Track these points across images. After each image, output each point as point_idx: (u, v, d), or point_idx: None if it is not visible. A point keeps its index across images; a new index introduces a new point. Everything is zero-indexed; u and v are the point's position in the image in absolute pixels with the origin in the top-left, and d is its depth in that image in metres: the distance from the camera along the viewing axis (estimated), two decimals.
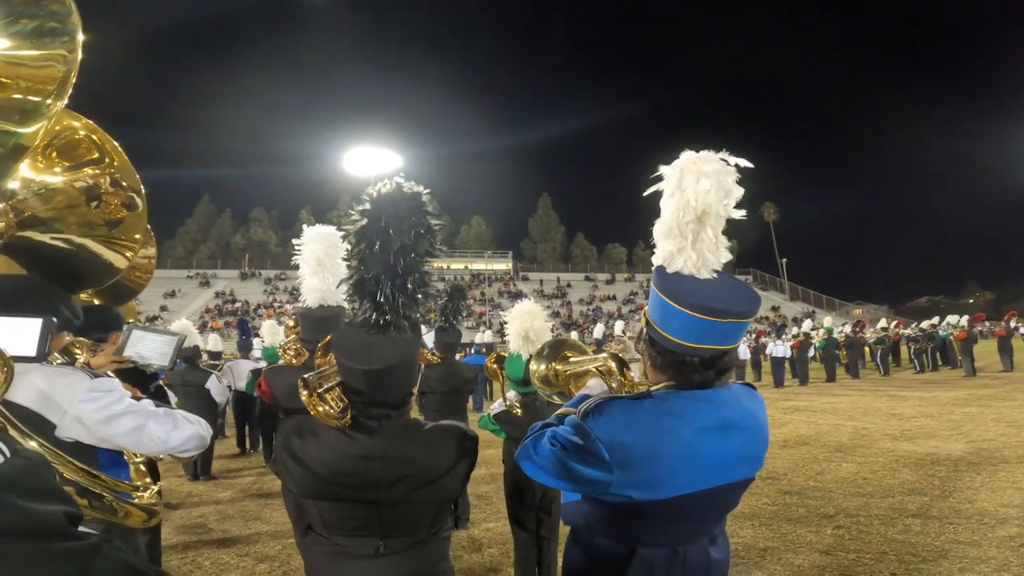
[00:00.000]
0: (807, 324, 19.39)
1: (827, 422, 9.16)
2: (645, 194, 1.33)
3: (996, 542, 3.82)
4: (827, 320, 19.81)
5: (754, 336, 21.65)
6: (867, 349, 19.35)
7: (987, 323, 28.15)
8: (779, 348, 16.79)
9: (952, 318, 17.99)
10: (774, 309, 48.98)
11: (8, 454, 0.72)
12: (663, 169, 1.31)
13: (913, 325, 21.29)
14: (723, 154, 1.28)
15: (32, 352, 1.47)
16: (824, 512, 4.64)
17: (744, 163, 1.28)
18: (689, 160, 1.28)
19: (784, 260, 58.27)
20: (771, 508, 4.80)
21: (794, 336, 18.66)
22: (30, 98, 1.12)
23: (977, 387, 12.66)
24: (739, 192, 1.28)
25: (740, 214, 1.30)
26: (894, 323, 21.00)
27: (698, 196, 1.24)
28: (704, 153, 1.28)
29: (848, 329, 20.22)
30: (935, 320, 19.52)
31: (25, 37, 1.08)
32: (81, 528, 0.76)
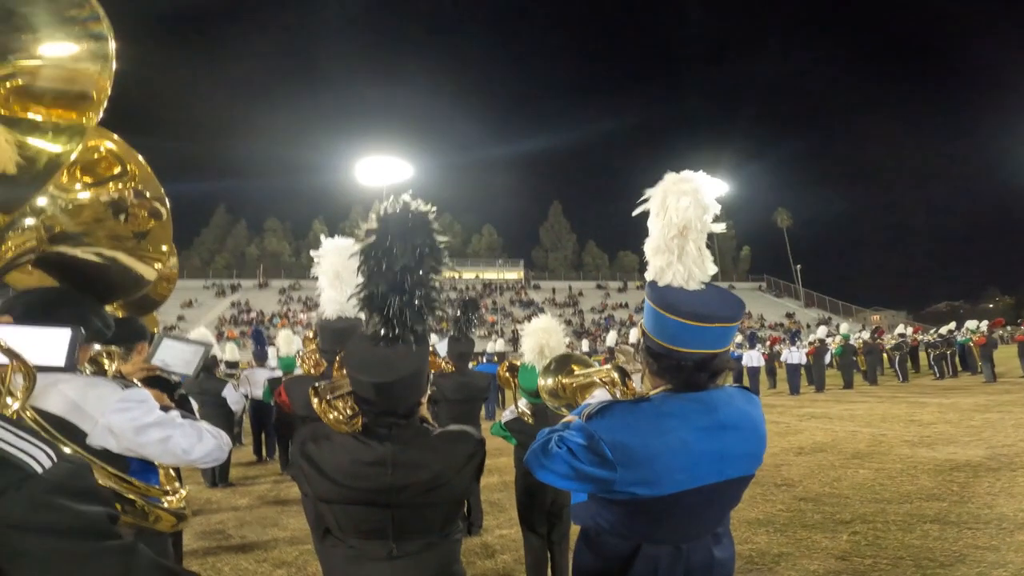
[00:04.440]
0: (822, 330, 19.20)
1: (844, 429, 9.07)
2: (633, 214, 1.46)
3: (1015, 547, 3.78)
4: (844, 326, 19.60)
5: (768, 343, 21.47)
6: (885, 355, 19.11)
7: (1007, 328, 27.66)
8: (794, 355, 16.62)
9: (971, 323, 17.71)
10: (789, 316, 48.50)
11: (55, 458, 0.75)
12: (648, 192, 1.44)
13: (932, 331, 20.99)
14: (700, 174, 1.41)
15: (60, 362, 1.49)
16: (840, 518, 4.61)
17: (719, 183, 1.42)
18: (671, 181, 1.41)
19: (799, 266, 57.72)
20: (786, 514, 4.78)
21: (810, 343, 18.48)
22: (67, 115, 1.11)
23: (997, 393, 12.46)
24: (716, 208, 1.41)
25: (720, 228, 1.43)
26: (913, 329, 20.71)
27: (679, 213, 1.37)
28: (684, 173, 1.41)
29: (866, 335, 19.98)
30: (953, 325, 19.24)
31: (64, 46, 1.07)
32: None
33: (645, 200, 1.45)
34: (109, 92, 1.16)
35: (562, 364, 2.09)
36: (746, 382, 15.98)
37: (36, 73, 1.07)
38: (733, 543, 1.55)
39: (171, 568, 0.83)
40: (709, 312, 1.35)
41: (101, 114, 1.18)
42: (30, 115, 1.08)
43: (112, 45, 1.14)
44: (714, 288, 1.46)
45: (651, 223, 1.44)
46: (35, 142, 1.09)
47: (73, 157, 1.15)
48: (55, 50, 1.09)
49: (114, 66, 1.16)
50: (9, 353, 1.22)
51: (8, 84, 1.06)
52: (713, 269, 1.44)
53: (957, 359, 18.01)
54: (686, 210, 1.37)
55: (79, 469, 0.78)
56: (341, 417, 1.47)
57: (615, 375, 1.72)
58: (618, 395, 1.68)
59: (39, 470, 0.72)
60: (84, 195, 1.65)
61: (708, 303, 1.38)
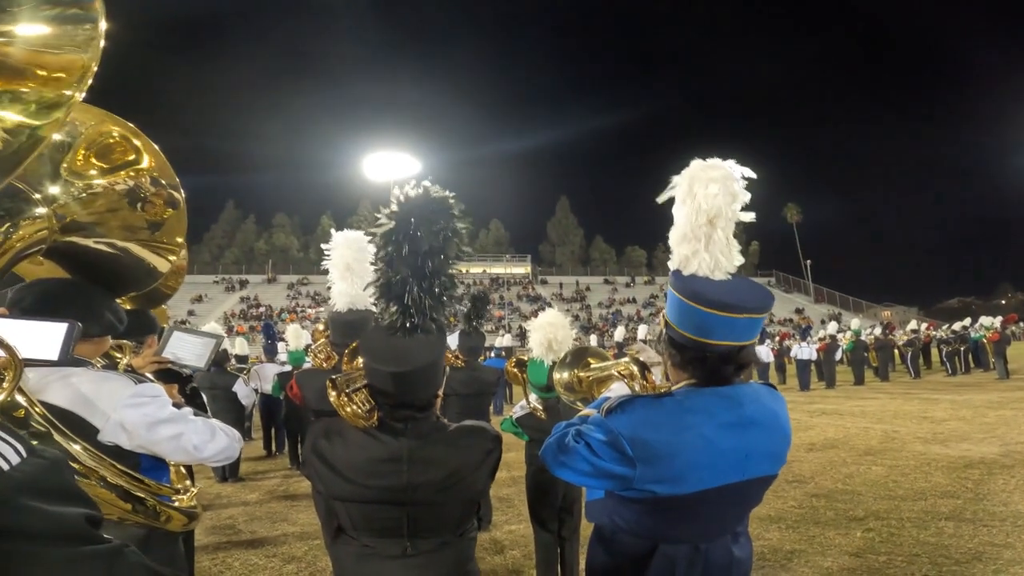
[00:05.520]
0: (832, 326, 19.04)
1: (855, 425, 9.00)
2: (659, 201, 1.41)
3: None
4: (854, 322, 19.41)
5: (778, 339, 21.33)
6: (897, 351, 18.94)
7: (1020, 324, 27.34)
8: (804, 350, 16.51)
9: (985, 320, 17.50)
10: (798, 311, 48.19)
11: (24, 453, 0.68)
12: (675, 178, 1.39)
13: (944, 327, 20.77)
14: (730, 162, 1.36)
15: (54, 356, 1.45)
16: (853, 515, 4.57)
17: (748, 172, 1.37)
18: (698, 168, 1.36)
19: (808, 261, 57.29)
20: (798, 511, 4.73)
21: (820, 339, 18.34)
22: (49, 88, 1.06)
23: (1010, 389, 12.32)
24: (746, 196, 1.36)
25: (749, 217, 1.38)
26: (925, 325, 20.51)
27: (708, 200, 1.32)
28: (712, 160, 1.36)
29: (878, 331, 19.81)
30: (967, 322, 19.02)
31: (47, 23, 1.02)
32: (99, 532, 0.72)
33: (671, 187, 1.39)
34: (95, 70, 1.12)
35: (578, 357, 2.05)
36: (755, 377, 15.87)
37: (17, 47, 1.04)
38: (751, 542, 1.51)
39: (161, 573, 0.76)
40: (736, 302, 1.29)
41: (85, 91, 1.14)
42: (10, 89, 1.04)
43: (102, 24, 1.10)
44: (741, 279, 1.40)
45: (676, 211, 1.39)
46: (15, 117, 1.04)
47: (55, 134, 1.10)
48: (38, 25, 1.05)
49: (102, 44, 1.12)
50: None
51: None
52: (740, 259, 1.38)
53: (970, 356, 17.83)
54: (715, 197, 1.31)
55: (52, 466, 0.71)
56: (359, 411, 1.43)
57: (634, 368, 1.67)
58: (637, 388, 1.63)
59: (4, 467, 0.65)
60: (98, 183, 1.60)
61: (735, 293, 1.32)
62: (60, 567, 0.65)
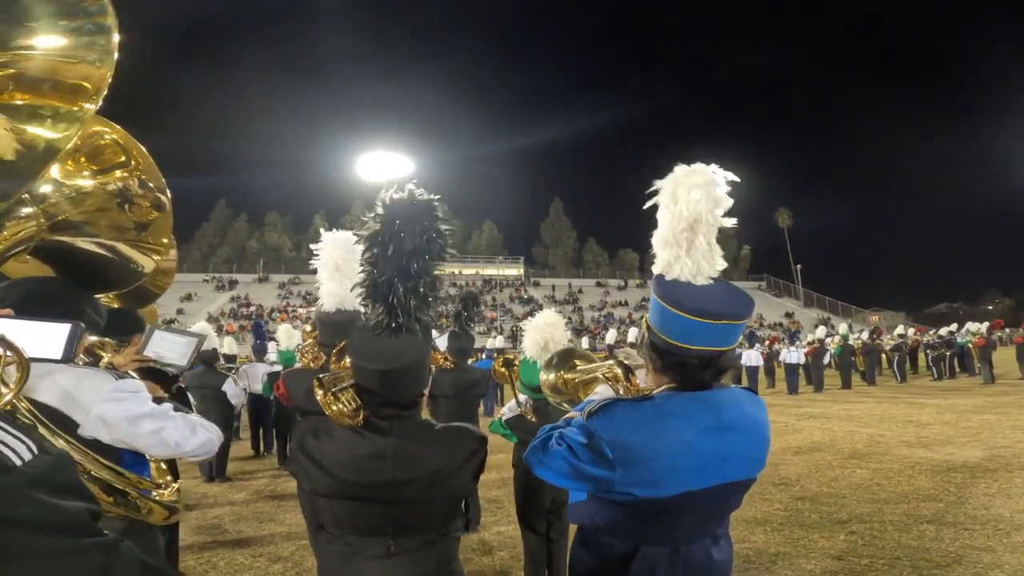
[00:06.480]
0: (820, 331, 19.21)
1: (842, 428, 9.08)
2: (645, 207, 1.42)
3: (1011, 548, 3.79)
4: (843, 326, 19.59)
5: (767, 343, 21.48)
6: (884, 356, 19.11)
7: (1006, 330, 27.69)
8: (793, 354, 16.65)
9: (973, 325, 17.70)
10: (788, 315, 48.49)
11: (35, 451, 0.73)
12: (658, 183, 1.40)
13: (932, 332, 20.99)
14: (713, 167, 1.37)
15: (58, 355, 1.49)
16: (837, 518, 4.62)
17: (732, 177, 1.38)
18: (682, 173, 1.37)
19: (799, 266, 57.65)
20: (783, 514, 4.78)
21: (808, 343, 18.49)
22: (67, 101, 1.09)
23: (995, 394, 12.48)
24: (728, 202, 1.37)
25: (731, 223, 1.39)
26: (912, 330, 20.73)
27: (689, 205, 1.33)
28: (696, 166, 1.37)
29: (865, 336, 20.00)
30: (954, 327, 19.23)
31: (64, 35, 1.05)
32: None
33: (654, 192, 1.40)
34: (109, 82, 1.15)
35: (564, 359, 2.06)
36: (744, 381, 15.99)
37: (35, 61, 1.06)
38: (731, 544, 1.53)
39: (154, 566, 0.81)
40: (717, 309, 1.31)
41: (100, 103, 1.16)
42: (28, 102, 1.07)
43: (116, 37, 1.13)
44: (723, 284, 1.41)
45: (660, 215, 1.40)
46: (33, 129, 1.07)
47: (70, 145, 1.13)
48: (55, 39, 1.07)
49: (116, 57, 1.14)
50: (2, 342, 1.20)
51: (7, 71, 1.04)
52: (722, 264, 1.40)
53: (956, 360, 18.02)
54: (697, 203, 1.33)
55: (60, 463, 0.76)
56: (346, 409, 1.45)
57: (618, 371, 1.69)
58: (621, 391, 1.65)
59: (18, 463, 0.70)
60: (88, 183, 1.63)
61: (716, 300, 1.33)
62: (64, 557, 0.71)
